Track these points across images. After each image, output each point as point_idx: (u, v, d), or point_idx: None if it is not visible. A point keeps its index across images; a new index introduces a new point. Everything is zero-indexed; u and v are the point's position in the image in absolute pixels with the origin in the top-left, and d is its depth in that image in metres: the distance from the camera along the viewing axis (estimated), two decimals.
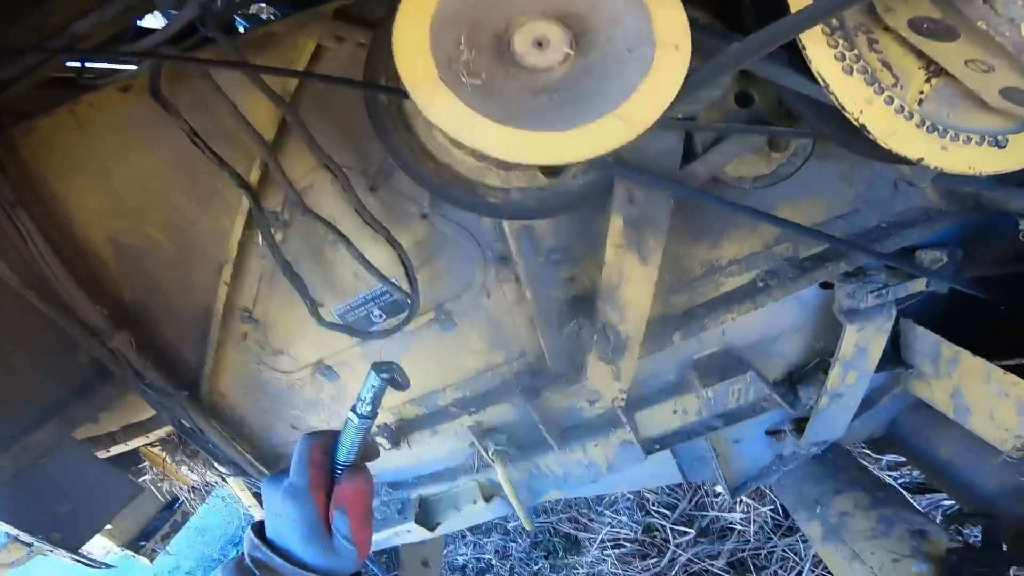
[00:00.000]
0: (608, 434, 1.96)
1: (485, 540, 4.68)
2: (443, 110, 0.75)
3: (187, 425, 1.82)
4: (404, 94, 0.87)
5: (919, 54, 1.13)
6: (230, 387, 1.87)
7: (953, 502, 3.40)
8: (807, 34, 1.09)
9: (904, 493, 2.48)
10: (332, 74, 1.39)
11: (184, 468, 2.15)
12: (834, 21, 1.11)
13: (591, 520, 4.32)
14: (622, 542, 4.09)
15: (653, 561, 3.91)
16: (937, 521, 2.40)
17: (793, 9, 0.99)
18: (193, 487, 2.38)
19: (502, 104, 0.77)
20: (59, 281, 1.48)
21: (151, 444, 2.08)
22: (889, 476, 3.48)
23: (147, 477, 2.23)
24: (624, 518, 4.19)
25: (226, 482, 2.24)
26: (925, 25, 1.04)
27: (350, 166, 1.45)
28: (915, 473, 3.60)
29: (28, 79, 1.40)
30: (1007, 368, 1.57)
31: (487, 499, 2.24)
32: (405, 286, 1.49)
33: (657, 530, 4.07)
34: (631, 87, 0.79)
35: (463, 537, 4.78)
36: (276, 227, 1.54)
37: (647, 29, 0.78)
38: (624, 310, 1.45)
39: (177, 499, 2.53)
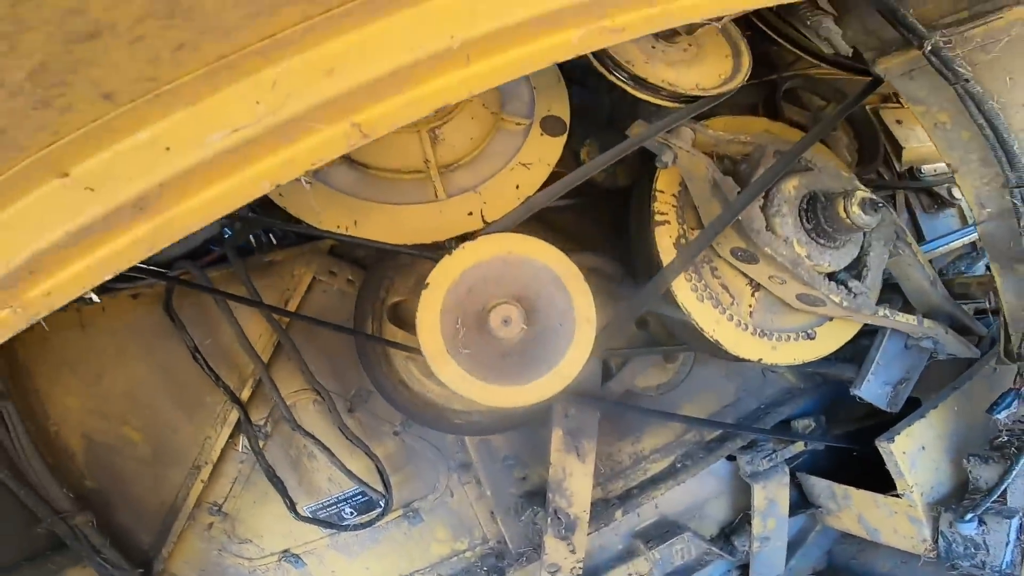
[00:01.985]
0: None
1: None
2: (450, 374, 1.05)
3: None
4: (389, 343, 1.18)
5: (744, 274, 1.56)
6: (185, 570, 1.83)
7: None
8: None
9: None
10: (325, 303, 1.70)
11: None
12: None
13: None
14: None
15: None
16: None
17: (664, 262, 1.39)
18: None
19: (483, 366, 1.08)
20: (30, 466, 1.54)
21: None
22: None
23: None
24: None
25: None
26: (739, 253, 1.47)
27: (332, 390, 1.67)
28: None
29: None
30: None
31: None
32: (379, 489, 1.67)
33: None
34: (562, 352, 1.13)
35: None
36: (260, 438, 1.71)
37: (570, 309, 1.12)
38: (571, 497, 1.69)
39: None
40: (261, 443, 1.71)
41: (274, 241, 1.77)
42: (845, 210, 1.35)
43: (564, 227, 1.75)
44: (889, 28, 1.29)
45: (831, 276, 1.50)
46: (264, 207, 1.41)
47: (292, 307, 1.71)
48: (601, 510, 1.85)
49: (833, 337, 1.65)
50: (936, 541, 1.85)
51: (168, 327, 1.58)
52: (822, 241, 1.44)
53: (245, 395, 1.70)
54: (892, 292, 1.71)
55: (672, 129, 1.44)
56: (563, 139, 1.52)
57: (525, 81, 1.57)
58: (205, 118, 0.64)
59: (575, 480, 1.67)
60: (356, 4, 0.65)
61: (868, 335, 1.74)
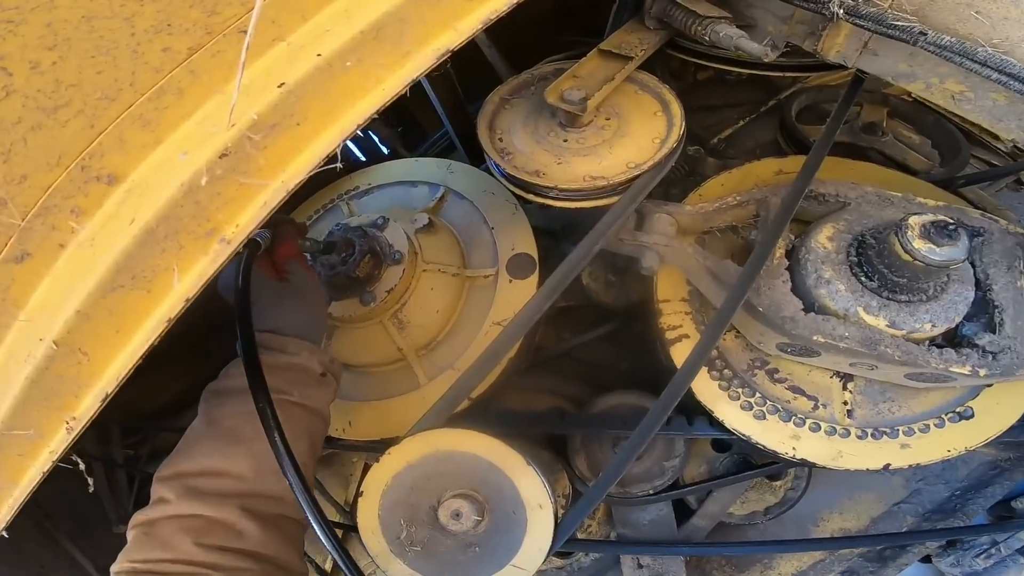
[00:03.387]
0: None
1: None
2: (397, 572, 0.91)
3: None
4: None
5: (820, 366, 1.09)
6: None
7: None
8: (710, 398, 1.10)
9: None
10: None
11: None
12: (726, 371, 1.12)
13: None
14: None
15: None
16: None
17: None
18: None
19: (440, 561, 0.91)
20: None
21: None
22: None
23: None
24: None
25: None
26: (787, 348, 1.02)
27: None
28: None
29: None
30: None
31: None
32: None
33: None
34: (519, 542, 0.90)
35: None
36: None
37: (517, 495, 0.89)
38: None
39: None
40: None
41: None
42: (905, 249, 0.88)
43: (599, 361, 1.42)
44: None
45: (951, 335, 0.98)
46: None
47: (351, 491, 1.63)
48: None
49: (1005, 406, 1.06)
50: None
51: None
52: (903, 297, 0.95)
53: (328, 566, 1.65)
54: None
55: (642, 224, 1.10)
56: (535, 278, 1.23)
57: (483, 223, 1.33)
58: None
59: None
60: None
61: None
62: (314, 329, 0.98)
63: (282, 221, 1.07)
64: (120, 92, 0.49)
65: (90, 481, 1.40)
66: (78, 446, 0.67)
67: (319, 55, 0.52)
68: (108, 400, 0.64)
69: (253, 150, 0.50)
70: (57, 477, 0.70)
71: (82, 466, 0.88)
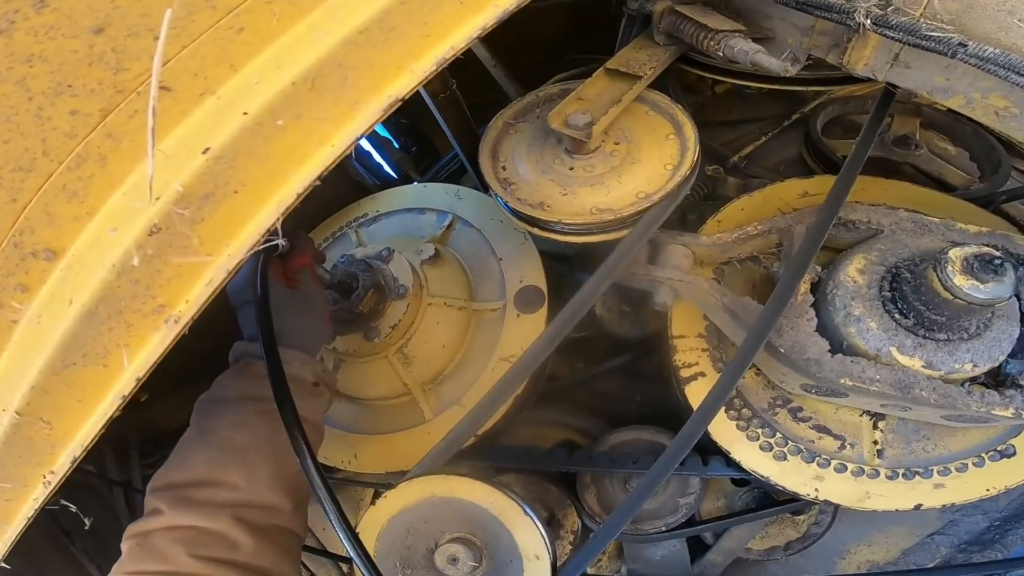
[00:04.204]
0: None
1: None
2: None
3: None
4: None
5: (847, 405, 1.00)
6: None
7: None
8: (727, 439, 1.01)
9: None
10: None
11: None
12: (744, 410, 1.03)
13: None
14: None
15: None
16: None
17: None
18: None
19: None
20: None
21: None
22: None
23: None
24: None
25: None
26: (812, 389, 0.93)
27: None
28: None
29: None
30: None
31: None
32: None
33: None
34: None
35: None
36: None
37: (514, 545, 0.84)
38: None
39: None
40: None
41: None
42: (944, 286, 0.78)
43: (612, 393, 1.33)
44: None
45: (994, 372, 0.87)
46: None
47: (361, 516, 1.57)
48: None
49: None
50: None
51: None
52: (942, 336, 0.85)
53: None
54: None
55: (655, 256, 1.01)
56: (543, 312, 1.16)
57: (490, 253, 1.26)
58: None
59: None
60: None
61: None
62: (313, 340, 0.98)
63: (300, 234, 1.06)
64: (35, 162, 0.43)
65: (87, 521, 1.36)
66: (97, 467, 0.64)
67: (245, 113, 0.45)
68: (78, 462, 0.60)
69: (185, 226, 0.43)
70: (75, 495, 0.70)
71: (73, 508, 0.85)
